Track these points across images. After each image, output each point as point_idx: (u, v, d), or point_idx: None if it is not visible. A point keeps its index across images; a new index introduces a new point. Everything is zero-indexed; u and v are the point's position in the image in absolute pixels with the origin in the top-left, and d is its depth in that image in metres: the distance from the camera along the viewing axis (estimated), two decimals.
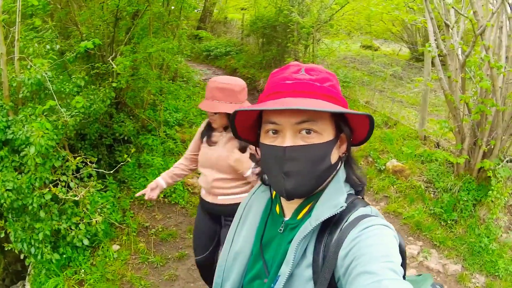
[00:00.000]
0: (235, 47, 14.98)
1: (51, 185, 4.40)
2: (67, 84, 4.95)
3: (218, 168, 3.14)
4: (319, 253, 1.15)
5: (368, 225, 1.09)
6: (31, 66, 4.61)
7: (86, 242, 4.74)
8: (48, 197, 4.36)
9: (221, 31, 16.54)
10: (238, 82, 3.08)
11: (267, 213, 1.41)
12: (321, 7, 10.06)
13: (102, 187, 5.32)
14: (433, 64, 6.58)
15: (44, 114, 4.42)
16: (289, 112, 1.13)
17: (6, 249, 4.64)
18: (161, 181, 3.48)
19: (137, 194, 3.53)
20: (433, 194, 6.32)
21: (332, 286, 1.09)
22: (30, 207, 4.32)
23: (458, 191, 5.91)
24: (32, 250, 4.45)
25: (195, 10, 11.53)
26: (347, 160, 1.30)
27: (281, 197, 1.32)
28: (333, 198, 1.19)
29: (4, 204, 4.10)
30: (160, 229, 5.87)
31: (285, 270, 1.16)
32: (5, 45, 4.67)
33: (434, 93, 9.99)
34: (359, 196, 1.28)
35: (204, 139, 3.29)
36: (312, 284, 1.14)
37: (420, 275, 1.51)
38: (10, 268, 8.70)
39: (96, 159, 5.29)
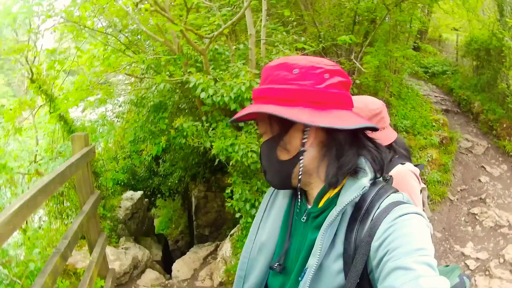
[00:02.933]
0: (451, 67, 14.51)
1: None
2: None
3: None
4: (350, 242, 1.10)
5: (400, 214, 1.05)
6: (280, 51, 5.08)
7: None
8: None
9: (436, 49, 16.18)
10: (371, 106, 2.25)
11: (292, 201, 1.36)
12: None
13: None
14: None
15: None
16: None
17: (227, 206, 5.14)
18: None
19: None
20: None
21: (364, 277, 1.06)
22: None
23: None
24: (253, 211, 4.86)
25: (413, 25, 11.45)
26: (336, 148, 1.19)
27: None
28: (356, 182, 1.14)
29: (245, 162, 4.57)
30: None
31: (312, 262, 1.11)
32: (254, 28, 5.23)
33: None
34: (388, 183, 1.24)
35: None
36: (343, 276, 1.09)
37: (448, 265, 1.46)
38: (197, 231, 9.65)
39: None
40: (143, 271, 5.97)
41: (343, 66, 6.23)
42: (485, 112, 10.55)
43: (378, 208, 1.11)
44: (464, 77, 13.09)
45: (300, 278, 1.13)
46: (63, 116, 6.44)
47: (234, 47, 5.65)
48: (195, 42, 5.31)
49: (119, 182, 7.89)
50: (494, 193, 7.74)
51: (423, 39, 15.32)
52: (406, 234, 0.99)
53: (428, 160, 8.10)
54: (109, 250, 5.60)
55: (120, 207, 7.41)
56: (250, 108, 1.17)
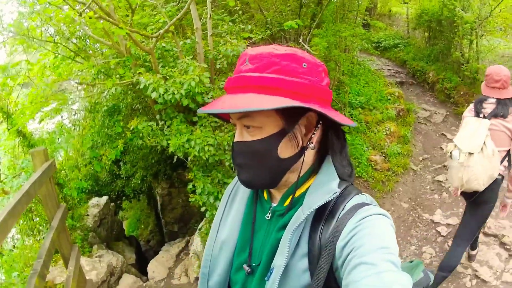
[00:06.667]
0: (403, 40, 14.91)
1: None
2: None
3: None
4: (314, 242, 1.11)
5: (366, 215, 1.06)
6: (227, 41, 5.10)
7: None
8: None
9: (386, 24, 16.47)
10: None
11: (254, 198, 1.37)
12: (480, 2, 9.61)
13: None
14: None
15: None
16: None
17: (191, 201, 5.08)
18: None
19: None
20: None
21: (330, 276, 1.07)
22: (227, 163, 4.78)
23: None
24: (217, 203, 4.82)
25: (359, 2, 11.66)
26: (332, 146, 1.24)
27: None
28: (326, 184, 1.16)
29: (203, 156, 4.58)
30: None
31: (279, 262, 1.11)
32: (200, 22, 5.24)
33: None
34: (351, 183, 1.24)
35: None
36: (309, 275, 1.10)
37: (412, 261, 1.49)
38: (166, 228, 9.66)
39: None
40: (120, 277, 5.90)
41: None
42: (441, 81, 10.88)
43: (343, 209, 1.12)
44: (416, 49, 13.49)
45: (266, 278, 1.14)
46: (21, 131, 6.33)
47: (181, 42, 5.63)
48: (142, 42, 5.30)
49: (84, 190, 7.81)
50: None
51: (372, 15, 15.57)
52: (371, 234, 1.01)
53: (386, 134, 8.23)
54: (84, 260, 5.53)
55: (87, 215, 7.30)
56: (276, 102, 1.06)
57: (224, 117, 1.35)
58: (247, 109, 1.04)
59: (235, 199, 1.42)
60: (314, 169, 1.24)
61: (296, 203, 1.20)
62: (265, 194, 1.32)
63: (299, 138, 1.17)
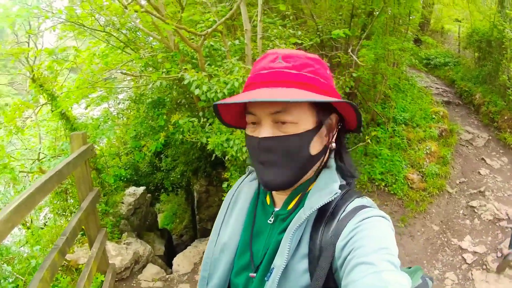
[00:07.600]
0: (453, 58, 14.60)
1: None
2: None
3: None
4: (315, 243, 1.11)
5: (366, 216, 1.06)
6: (275, 46, 5.11)
7: None
8: None
9: (438, 41, 16.18)
10: None
11: (256, 202, 1.36)
12: None
13: None
14: None
15: None
16: (263, 103, 1.12)
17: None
18: None
19: None
20: None
21: (329, 277, 1.06)
22: None
23: None
24: None
25: (411, 17, 11.52)
26: (338, 149, 1.26)
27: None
28: (327, 186, 1.16)
29: (240, 157, 4.60)
30: None
31: (279, 262, 1.11)
32: (250, 24, 5.26)
33: None
34: (351, 188, 1.24)
35: None
36: (308, 275, 1.10)
37: (410, 267, 1.47)
38: (200, 225, 9.73)
39: None
40: (144, 266, 5.99)
41: (340, 60, 6.27)
42: (486, 104, 10.59)
43: (344, 211, 1.13)
44: (466, 69, 13.13)
45: (266, 278, 1.14)
46: (64, 113, 6.50)
47: (230, 42, 5.67)
48: (192, 39, 5.36)
49: (122, 178, 7.97)
50: (493, 186, 7.75)
51: (425, 30, 15.32)
52: (371, 235, 1.02)
53: (426, 153, 8.07)
54: (111, 245, 5.66)
55: (122, 202, 7.44)
56: (322, 97, 1.10)
57: (230, 123, 1.37)
58: (309, 99, 1.08)
59: (236, 203, 1.41)
60: (320, 172, 1.25)
61: (298, 206, 1.21)
62: (267, 199, 1.33)
63: (324, 136, 1.20)
